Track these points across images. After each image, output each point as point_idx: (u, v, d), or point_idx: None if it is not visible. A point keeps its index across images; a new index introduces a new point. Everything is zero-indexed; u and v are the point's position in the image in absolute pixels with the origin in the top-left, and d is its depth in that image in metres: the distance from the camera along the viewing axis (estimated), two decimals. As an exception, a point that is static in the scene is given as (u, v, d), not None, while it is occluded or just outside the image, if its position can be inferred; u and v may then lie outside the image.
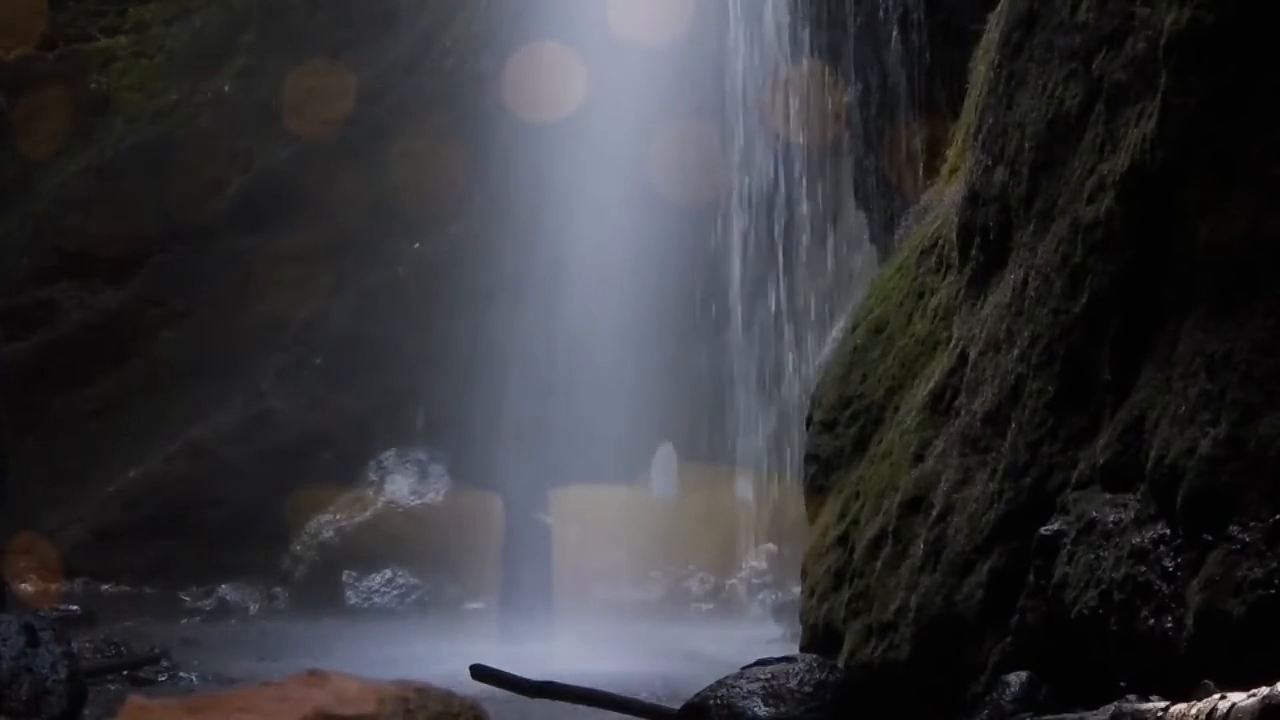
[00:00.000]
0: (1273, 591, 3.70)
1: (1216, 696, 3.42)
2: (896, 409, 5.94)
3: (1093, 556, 4.28)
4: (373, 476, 14.08)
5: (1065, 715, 4.12)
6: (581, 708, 5.99)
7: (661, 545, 13.55)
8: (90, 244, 14.34)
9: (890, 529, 5.52)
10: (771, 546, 13.57)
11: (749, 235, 13.45)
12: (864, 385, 6.28)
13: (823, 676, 5.09)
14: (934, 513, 5.19)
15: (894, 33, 8.60)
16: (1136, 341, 4.34)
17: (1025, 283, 4.89)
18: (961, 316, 5.50)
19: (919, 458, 5.51)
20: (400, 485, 14.00)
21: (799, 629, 6.46)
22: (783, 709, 4.97)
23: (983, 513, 4.89)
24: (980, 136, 5.43)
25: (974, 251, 5.41)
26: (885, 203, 9.04)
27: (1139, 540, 4.12)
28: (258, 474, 14.03)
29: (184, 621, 12.41)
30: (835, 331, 11.43)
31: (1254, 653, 3.64)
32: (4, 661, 6.13)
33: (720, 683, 5.15)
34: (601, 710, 5.72)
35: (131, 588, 13.65)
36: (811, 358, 12.81)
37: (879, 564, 5.56)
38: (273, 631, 11.82)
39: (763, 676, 5.09)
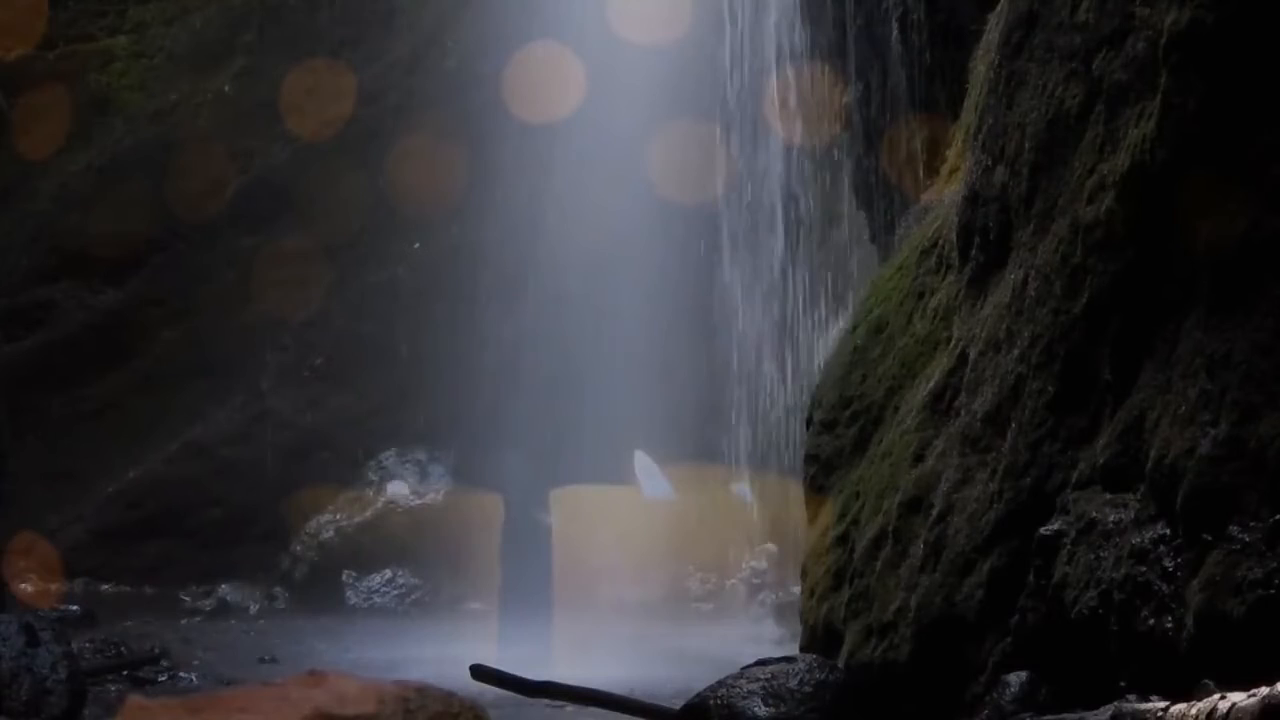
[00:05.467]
0: (1273, 591, 3.70)
1: (1216, 696, 3.42)
2: (896, 409, 5.94)
3: (1093, 556, 4.28)
4: (373, 476, 14.08)
5: (1065, 715, 4.12)
6: (581, 708, 5.99)
7: (661, 545, 13.55)
8: (90, 244, 14.32)
9: (890, 529, 5.52)
10: (771, 546, 13.57)
11: (749, 235, 13.45)
12: (864, 385, 6.29)
13: (823, 676, 5.09)
14: (934, 513, 5.19)
15: (894, 33, 8.60)
16: (1136, 341, 4.34)
17: (1025, 283, 4.89)
18: (961, 316, 5.50)
19: (919, 458, 5.52)
20: (400, 485, 14.00)
21: (799, 629, 6.46)
22: (783, 709, 4.97)
23: (983, 513, 4.89)
24: (980, 136, 5.43)
25: (974, 251, 5.41)
26: (885, 203, 9.05)
27: (1139, 540, 4.12)
28: (258, 474, 14.03)
29: (184, 621, 12.40)
30: (835, 331, 11.43)
31: (1254, 653, 3.64)
32: (4, 661, 6.13)
33: (720, 683, 5.15)
34: (601, 710, 5.72)
35: (131, 588, 13.64)
36: (811, 358, 12.81)
37: (879, 564, 5.57)
38: (273, 631, 11.82)
39: (763, 676, 5.09)
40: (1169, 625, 3.97)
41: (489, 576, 12.63)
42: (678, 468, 13.74)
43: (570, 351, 13.32)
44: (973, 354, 5.24)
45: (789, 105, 11.80)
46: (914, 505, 5.41)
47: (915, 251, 6.31)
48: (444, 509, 13.84)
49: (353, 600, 13.46)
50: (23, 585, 12.63)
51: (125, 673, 8.79)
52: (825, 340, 12.41)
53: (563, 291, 13.50)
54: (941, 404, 5.49)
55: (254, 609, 13.35)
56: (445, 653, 8.47)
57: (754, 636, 10.94)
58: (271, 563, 13.75)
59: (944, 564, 5.03)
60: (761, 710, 4.97)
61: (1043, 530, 4.52)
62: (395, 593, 13.53)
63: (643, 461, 13.70)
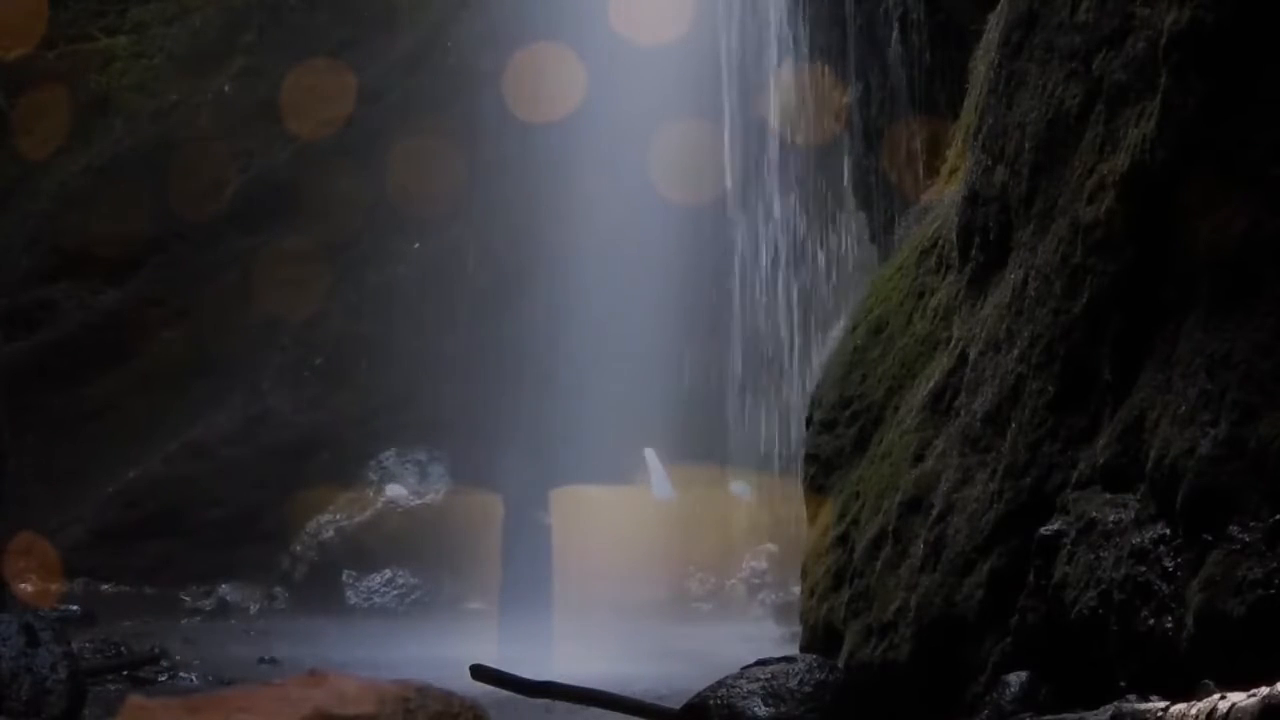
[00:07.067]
0: (1273, 591, 3.70)
1: (1216, 696, 3.42)
2: (896, 409, 5.94)
3: (1093, 556, 4.28)
4: (373, 476, 14.08)
5: (1065, 715, 4.12)
6: (581, 708, 5.99)
7: (661, 545, 13.55)
8: (90, 244, 14.32)
9: (890, 529, 5.52)
10: (771, 546, 13.57)
11: (748, 235, 13.45)
12: (864, 385, 6.29)
13: (823, 676, 5.09)
14: (934, 513, 5.19)
15: (894, 33, 8.60)
16: (1136, 341, 4.34)
17: (1025, 283, 4.89)
18: (961, 316, 5.50)
19: (919, 458, 5.52)
20: (400, 485, 14.00)
21: (799, 629, 6.46)
22: (783, 709, 4.97)
23: (983, 513, 4.89)
24: (980, 136, 5.43)
25: (974, 251, 5.42)
26: (885, 203, 9.05)
27: (1139, 540, 4.12)
28: (258, 474, 14.03)
29: (184, 621, 12.42)
30: (835, 331, 11.43)
31: (1254, 653, 3.64)
32: (4, 661, 6.13)
33: (720, 683, 5.15)
34: (602, 710, 5.72)
35: (131, 588, 13.64)
36: (812, 358, 12.81)
37: (879, 564, 5.57)
38: (273, 631, 11.82)
39: (763, 676, 5.09)
40: (1169, 625, 3.97)
41: (489, 576, 12.62)
42: (678, 468, 13.75)
43: (570, 351, 13.32)
44: (973, 354, 5.24)
45: (789, 105, 11.79)
46: (914, 505, 5.41)
47: (915, 251, 6.31)
48: (444, 509, 13.84)
49: (353, 600, 13.47)
50: (23, 585, 12.63)
51: (125, 673, 8.78)
52: (825, 340, 12.41)
53: (563, 291, 13.50)
54: (941, 404, 5.49)
55: (254, 609, 13.36)
56: (445, 653, 8.46)
57: (754, 636, 10.94)
58: (271, 563, 13.75)
59: (944, 564, 5.03)
60: (761, 710, 4.97)
61: (1043, 530, 4.51)
62: (395, 593, 13.53)
63: (653, 461, 13.71)
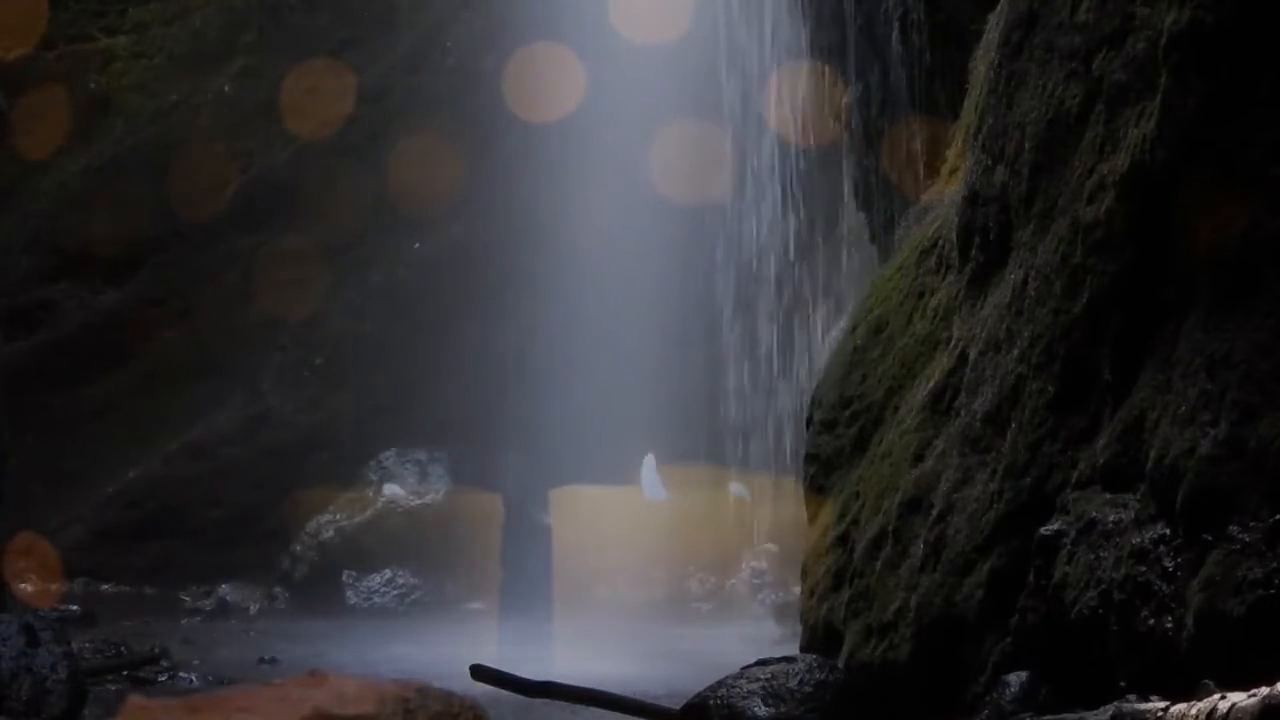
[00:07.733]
0: (1273, 591, 3.70)
1: (1216, 696, 3.42)
2: (896, 409, 5.94)
3: (1093, 556, 4.28)
4: (373, 476, 14.07)
5: (1065, 715, 4.12)
6: (581, 708, 6.00)
7: (661, 545, 13.55)
8: (90, 244, 14.32)
9: (890, 529, 5.52)
10: (771, 546, 13.56)
11: (748, 235, 13.45)
12: (864, 385, 6.29)
13: (823, 676, 5.09)
14: (934, 513, 5.19)
15: (894, 33, 8.59)
16: (1136, 341, 4.34)
17: (1025, 283, 4.90)
18: (961, 316, 5.51)
19: (919, 458, 5.52)
20: (400, 485, 14.00)
21: (799, 629, 6.46)
22: (783, 709, 4.97)
23: (983, 513, 4.89)
24: (980, 136, 5.43)
25: (974, 251, 5.42)
26: (885, 203, 9.04)
27: (1139, 540, 4.12)
28: (258, 474, 14.02)
29: (184, 621, 12.41)
30: (835, 332, 11.43)
31: (1254, 653, 3.64)
32: (4, 661, 6.13)
33: (720, 683, 5.15)
34: (602, 710, 5.72)
35: (131, 588, 13.64)
36: (811, 358, 12.81)
37: (879, 564, 5.57)
38: (273, 631, 11.82)
39: (763, 676, 5.09)
40: (1169, 625, 3.97)
41: (489, 576, 12.63)
42: (678, 468, 13.74)
43: (570, 351, 13.31)
44: (973, 354, 5.25)
45: (789, 105, 11.79)
46: (914, 505, 5.41)
47: (915, 251, 6.31)
48: (444, 509, 13.84)
49: (353, 600, 13.46)
50: (23, 585, 12.62)
51: (125, 673, 8.77)
52: (825, 340, 12.41)
53: (563, 291, 13.49)
54: (941, 404, 5.49)
55: (254, 609, 13.35)
56: (445, 653, 8.47)
57: (754, 636, 10.94)
58: (271, 563, 13.75)
59: (944, 564, 5.03)
60: (761, 710, 4.97)
61: (1043, 530, 4.52)
62: (395, 593, 13.52)
63: (648, 465, 13.71)
